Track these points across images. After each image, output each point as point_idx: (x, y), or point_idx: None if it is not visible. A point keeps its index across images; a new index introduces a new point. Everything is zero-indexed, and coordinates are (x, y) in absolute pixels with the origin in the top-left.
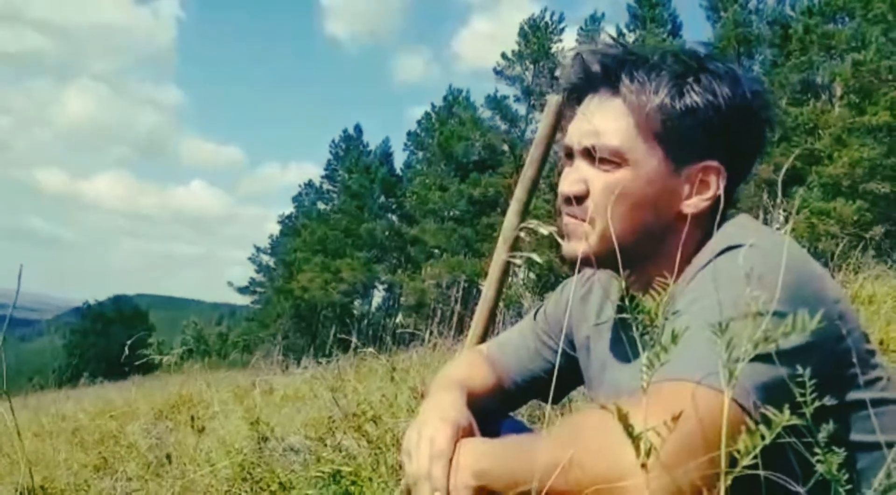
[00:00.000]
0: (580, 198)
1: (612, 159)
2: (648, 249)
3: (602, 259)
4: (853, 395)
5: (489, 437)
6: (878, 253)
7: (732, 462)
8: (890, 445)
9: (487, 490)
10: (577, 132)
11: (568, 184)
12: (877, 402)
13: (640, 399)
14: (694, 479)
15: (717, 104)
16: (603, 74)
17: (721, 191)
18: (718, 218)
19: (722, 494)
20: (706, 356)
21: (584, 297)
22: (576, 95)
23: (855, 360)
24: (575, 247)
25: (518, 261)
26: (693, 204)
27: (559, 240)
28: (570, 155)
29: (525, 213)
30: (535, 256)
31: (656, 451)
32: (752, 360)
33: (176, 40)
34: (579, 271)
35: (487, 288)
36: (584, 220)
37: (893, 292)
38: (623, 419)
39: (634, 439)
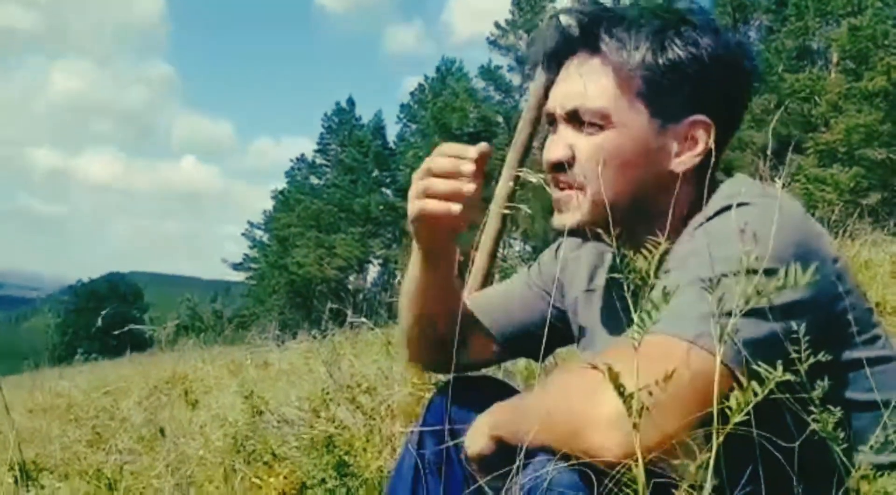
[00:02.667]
0: (567, 165)
1: (596, 121)
2: (641, 211)
3: (596, 226)
4: (850, 354)
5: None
6: (875, 219)
7: (722, 420)
8: (888, 404)
9: (504, 440)
10: (559, 96)
11: (553, 150)
12: (875, 361)
13: (624, 352)
14: (665, 433)
15: (700, 56)
16: (581, 35)
17: (711, 146)
18: (710, 173)
19: (714, 452)
20: (695, 311)
21: (577, 259)
22: (555, 60)
23: (852, 319)
24: (569, 218)
25: (510, 212)
26: (683, 161)
27: (554, 211)
28: (553, 122)
29: (517, 178)
30: (524, 208)
31: (638, 405)
32: (746, 316)
33: (164, 15)
34: (585, 236)
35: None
36: (573, 188)
37: (890, 258)
38: (613, 377)
39: (619, 392)
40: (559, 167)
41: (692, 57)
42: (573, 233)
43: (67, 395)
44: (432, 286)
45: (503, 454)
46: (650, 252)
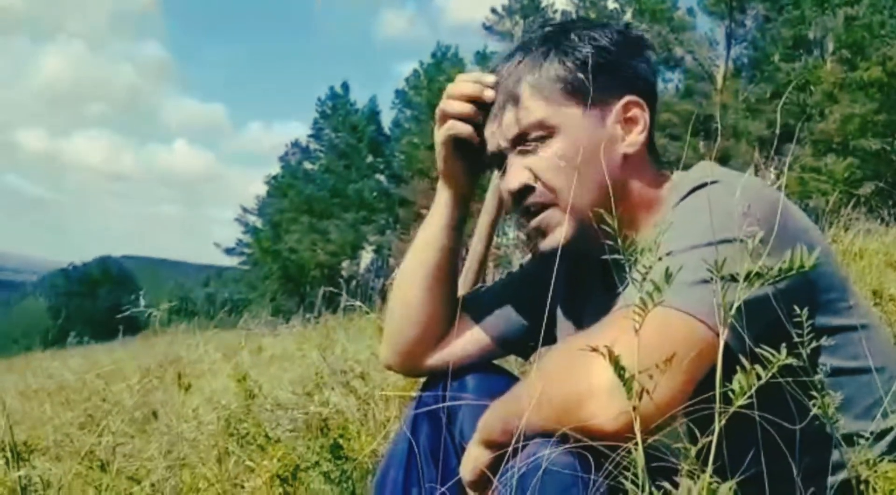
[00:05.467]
0: (530, 188)
1: (541, 134)
2: (616, 201)
3: (585, 234)
4: (831, 321)
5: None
6: (869, 209)
7: (705, 386)
8: (872, 370)
9: (497, 443)
10: (497, 133)
11: (512, 179)
12: (854, 329)
13: (622, 325)
14: (662, 403)
15: (602, 44)
16: (493, 87)
17: (648, 120)
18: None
19: (716, 435)
20: (687, 282)
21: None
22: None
23: (829, 286)
24: (557, 237)
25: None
26: (631, 142)
27: (538, 240)
28: (499, 162)
29: None
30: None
31: (630, 375)
32: (734, 282)
33: None
34: (569, 259)
35: (476, 241)
36: (546, 207)
37: (884, 248)
38: (611, 357)
39: (617, 370)
40: (524, 193)
41: (598, 47)
42: (567, 250)
43: (59, 378)
44: (455, 229)
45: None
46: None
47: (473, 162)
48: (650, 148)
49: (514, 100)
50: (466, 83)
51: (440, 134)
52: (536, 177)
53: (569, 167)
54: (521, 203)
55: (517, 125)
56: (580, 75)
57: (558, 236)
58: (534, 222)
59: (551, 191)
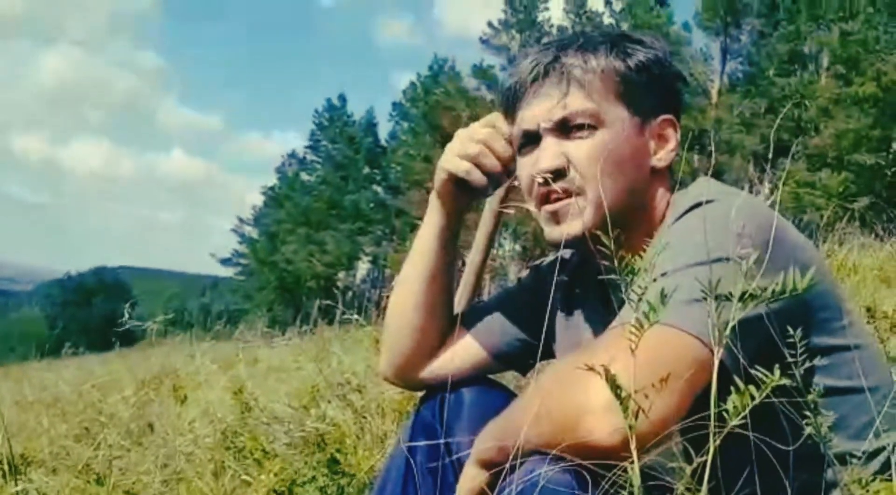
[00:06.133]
0: (561, 173)
1: (588, 123)
2: (634, 212)
3: (600, 230)
4: (825, 340)
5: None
6: (863, 223)
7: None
8: (866, 389)
9: (494, 462)
10: (542, 111)
11: (547, 159)
12: (849, 348)
13: (619, 344)
14: (658, 420)
15: (660, 58)
16: (545, 64)
17: (678, 141)
18: (679, 174)
19: (711, 454)
20: (683, 300)
21: (555, 280)
22: (519, 93)
23: (824, 305)
24: (572, 227)
25: (510, 211)
26: (662, 158)
27: (546, 227)
28: (530, 140)
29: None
30: (529, 206)
31: (624, 392)
32: (728, 301)
33: (156, 5)
34: (575, 251)
35: (474, 253)
36: (571, 194)
37: (878, 262)
38: (609, 377)
39: (613, 389)
40: (554, 176)
41: (654, 59)
42: (571, 244)
43: (55, 389)
44: (449, 238)
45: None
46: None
47: (473, 191)
48: (670, 167)
49: (568, 83)
50: (500, 140)
51: (452, 165)
52: (569, 166)
53: (605, 162)
54: (546, 185)
55: (566, 110)
56: (637, 78)
57: (575, 226)
58: (552, 206)
59: (582, 180)
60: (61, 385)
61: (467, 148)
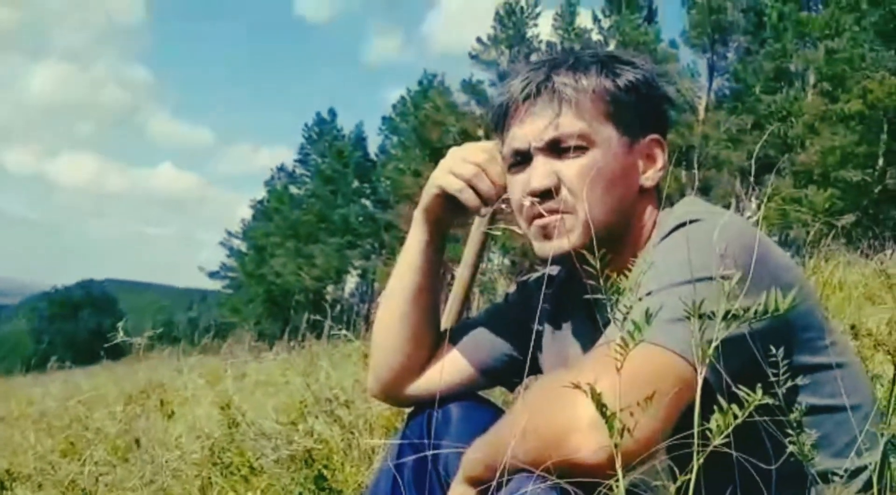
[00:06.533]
0: (551, 192)
1: (579, 144)
2: (622, 230)
3: (589, 247)
4: (809, 359)
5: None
6: (849, 240)
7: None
8: (848, 408)
9: (482, 481)
10: (534, 131)
11: (538, 178)
12: (832, 367)
13: (604, 363)
14: (644, 438)
15: (649, 79)
16: (536, 83)
17: (666, 161)
18: (664, 192)
19: (695, 472)
20: (667, 319)
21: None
22: (510, 111)
23: (807, 325)
24: (560, 244)
25: (497, 232)
26: (650, 177)
27: (536, 242)
28: (521, 160)
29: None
30: (516, 228)
31: (609, 411)
32: (711, 319)
33: (144, 19)
34: (563, 267)
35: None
36: (563, 213)
37: (864, 279)
38: (594, 395)
39: (599, 407)
40: (545, 195)
41: (643, 79)
42: (561, 259)
43: (41, 403)
44: (434, 252)
45: None
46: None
47: (460, 210)
48: (659, 188)
49: (559, 104)
50: (497, 167)
51: (445, 182)
52: (560, 185)
53: (595, 181)
54: (535, 203)
55: (558, 130)
56: (626, 98)
57: (565, 243)
58: (542, 221)
59: (573, 199)
60: (48, 400)
61: (462, 168)
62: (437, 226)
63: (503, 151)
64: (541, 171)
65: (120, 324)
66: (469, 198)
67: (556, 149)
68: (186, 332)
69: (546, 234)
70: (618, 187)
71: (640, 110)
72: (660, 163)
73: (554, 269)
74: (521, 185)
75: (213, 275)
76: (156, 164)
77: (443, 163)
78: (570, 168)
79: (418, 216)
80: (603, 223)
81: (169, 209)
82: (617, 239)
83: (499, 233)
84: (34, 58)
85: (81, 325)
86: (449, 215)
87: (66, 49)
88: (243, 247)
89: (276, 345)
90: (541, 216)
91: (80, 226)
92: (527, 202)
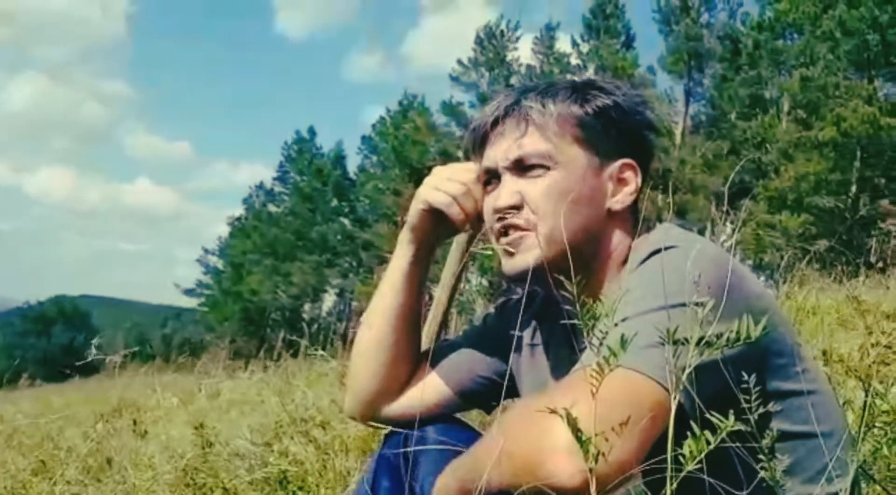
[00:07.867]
0: (516, 209)
1: (543, 164)
2: (589, 251)
3: (553, 265)
4: (780, 385)
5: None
6: (822, 265)
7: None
8: (819, 435)
9: None
10: (499, 152)
11: (502, 197)
12: (802, 393)
13: (580, 388)
14: (618, 462)
15: (621, 104)
16: (506, 106)
17: (639, 184)
18: (641, 217)
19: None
20: (642, 345)
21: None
22: (482, 133)
23: (780, 352)
24: (523, 259)
25: (488, 252)
26: (619, 200)
27: (503, 260)
28: (491, 178)
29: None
30: (497, 247)
31: (584, 435)
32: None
33: (123, 33)
34: (530, 284)
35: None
36: (524, 230)
37: (836, 305)
38: (570, 420)
39: (574, 431)
40: (506, 213)
41: (614, 104)
42: (523, 276)
43: (11, 421)
44: (417, 282)
45: None
46: (598, 297)
47: (446, 226)
48: (633, 210)
49: (526, 124)
50: (480, 188)
51: (432, 197)
52: (523, 203)
53: (558, 201)
54: (501, 220)
55: (522, 150)
56: (594, 123)
57: (528, 258)
58: (506, 239)
59: (535, 216)
60: (18, 417)
61: (448, 185)
62: (423, 245)
63: (478, 172)
64: (507, 189)
65: (94, 342)
66: (456, 212)
67: (521, 168)
68: (161, 349)
69: (509, 252)
70: (583, 207)
71: (610, 134)
72: (631, 187)
73: (534, 292)
74: (491, 204)
75: (188, 292)
76: (132, 179)
77: (428, 180)
78: (534, 186)
79: (404, 236)
80: (567, 241)
81: (145, 225)
82: (584, 258)
83: (489, 252)
84: (11, 72)
85: (54, 341)
86: (435, 232)
87: (44, 63)
88: (220, 264)
89: (251, 364)
90: (506, 234)
91: (55, 241)
92: (493, 219)
